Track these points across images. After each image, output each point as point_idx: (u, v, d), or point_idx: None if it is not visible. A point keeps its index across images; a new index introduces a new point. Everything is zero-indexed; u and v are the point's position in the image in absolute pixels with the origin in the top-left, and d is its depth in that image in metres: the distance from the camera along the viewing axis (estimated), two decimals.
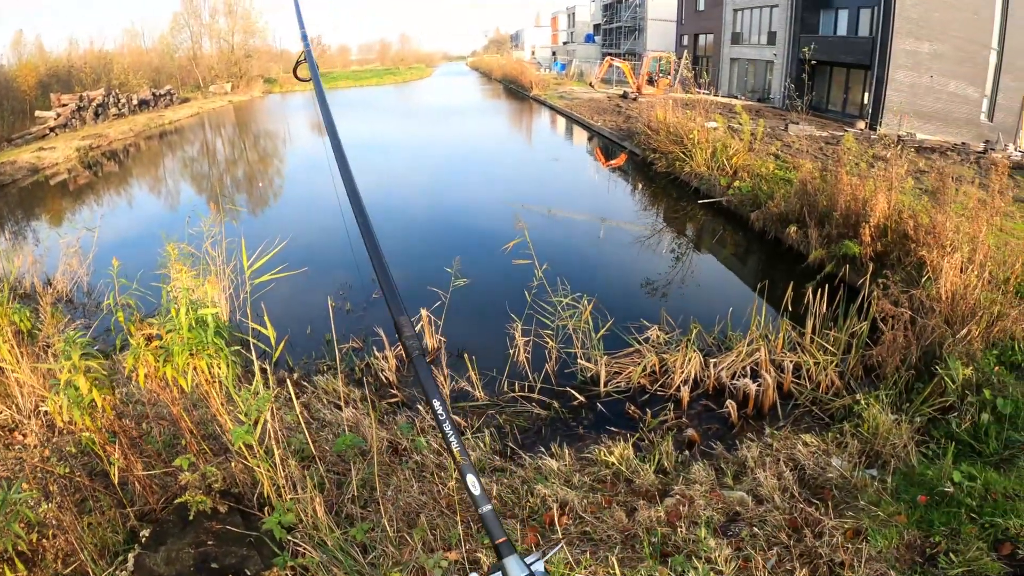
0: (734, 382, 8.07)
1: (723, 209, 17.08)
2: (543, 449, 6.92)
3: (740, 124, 19.30)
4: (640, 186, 22.14)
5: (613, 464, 6.28)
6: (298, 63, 3.22)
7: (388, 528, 4.99)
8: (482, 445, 7.18)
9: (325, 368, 9.37)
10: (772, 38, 36.91)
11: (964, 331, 8.01)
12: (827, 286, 9.23)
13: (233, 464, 5.32)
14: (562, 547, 4.64)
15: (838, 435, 6.72)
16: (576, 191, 21.59)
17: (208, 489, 5.24)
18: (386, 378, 9.07)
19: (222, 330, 5.00)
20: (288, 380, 9.07)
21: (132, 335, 5.09)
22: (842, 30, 30.90)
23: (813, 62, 27.42)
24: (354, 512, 5.43)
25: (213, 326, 4.84)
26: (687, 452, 6.83)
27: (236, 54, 69.99)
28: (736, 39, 41.96)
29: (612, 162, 26.04)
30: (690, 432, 7.27)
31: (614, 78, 50.78)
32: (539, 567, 2.01)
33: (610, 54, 56.64)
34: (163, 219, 18.22)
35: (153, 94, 49.58)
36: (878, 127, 26.25)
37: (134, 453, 5.44)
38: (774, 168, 17.22)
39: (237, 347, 5.35)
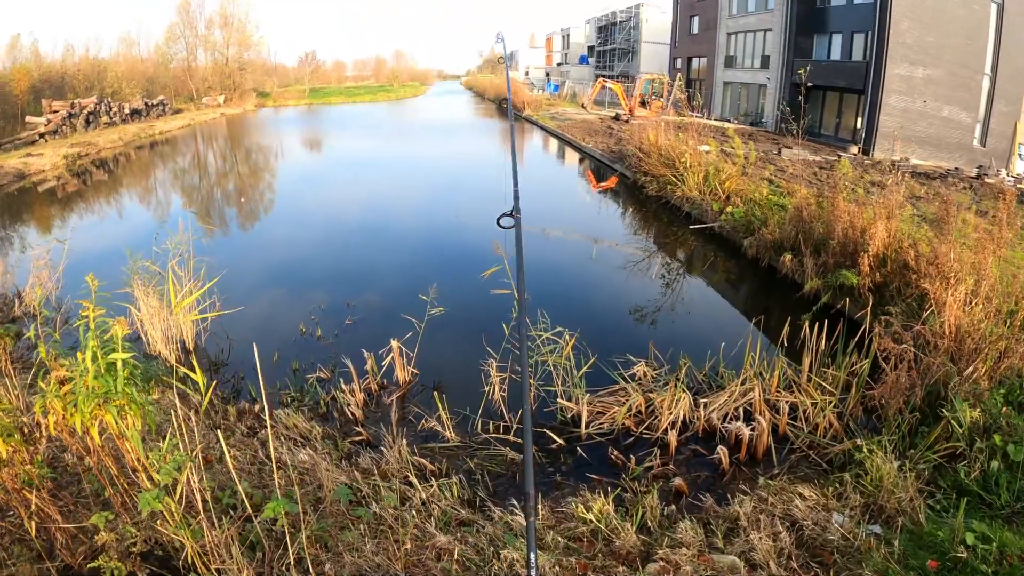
0: (726, 425, 7.48)
1: (715, 235, 16.60)
2: (514, 501, 6.30)
3: (733, 148, 18.90)
4: (630, 210, 21.68)
5: (591, 521, 5.67)
6: None
7: None
8: (448, 495, 6.54)
9: (289, 400, 8.82)
10: (766, 62, 36.79)
11: (970, 369, 7.50)
12: (825, 319, 8.71)
13: (158, 523, 4.70)
14: None
15: (838, 486, 6.16)
16: (563, 214, 21.00)
17: (127, 552, 4.68)
18: (352, 414, 8.46)
19: (135, 376, 4.43)
20: (267, 414, 8.48)
21: (48, 375, 4.52)
22: (836, 55, 30.76)
23: (808, 84, 27.14)
24: None
25: (124, 373, 4.28)
26: (673, 506, 6.21)
27: (230, 67, 69.76)
28: (729, 63, 41.87)
29: (603, 184, 25.59)
30: (677, 482, 6.66)
31: (607, 100, 50.64)
32: None
33: (603, 75, 56.60)
34: (141, 232, 17.59)
35: (146, 104, 49.15)
36: (871, 152, 25.96)
37: (51, 502, 4.83)
38: (768, 193, 16.79)
39: (153, 392, 4.82)
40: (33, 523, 4.60)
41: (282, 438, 7.69)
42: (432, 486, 6.60)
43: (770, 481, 6.36)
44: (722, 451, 6.92)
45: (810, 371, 8.09)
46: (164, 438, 5.02)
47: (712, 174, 18.08)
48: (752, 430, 7.14)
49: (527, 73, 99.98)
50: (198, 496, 4.41)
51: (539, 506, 6.13)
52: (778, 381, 8.11)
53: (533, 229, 18.32)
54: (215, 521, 4.58)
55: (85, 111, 38.88)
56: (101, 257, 15.03)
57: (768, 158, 23.27)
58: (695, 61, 48.32)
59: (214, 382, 9.04)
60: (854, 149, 26.83)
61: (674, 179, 19.23)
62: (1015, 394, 7.46)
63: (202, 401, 5.16)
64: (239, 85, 69.90)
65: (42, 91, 42.58)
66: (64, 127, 36.52)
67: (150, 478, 4.64)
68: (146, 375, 5.08)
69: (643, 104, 39.94)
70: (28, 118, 36.58)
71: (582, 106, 49.46)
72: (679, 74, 46.69)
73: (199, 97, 64.21)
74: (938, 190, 14.82)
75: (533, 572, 2.10)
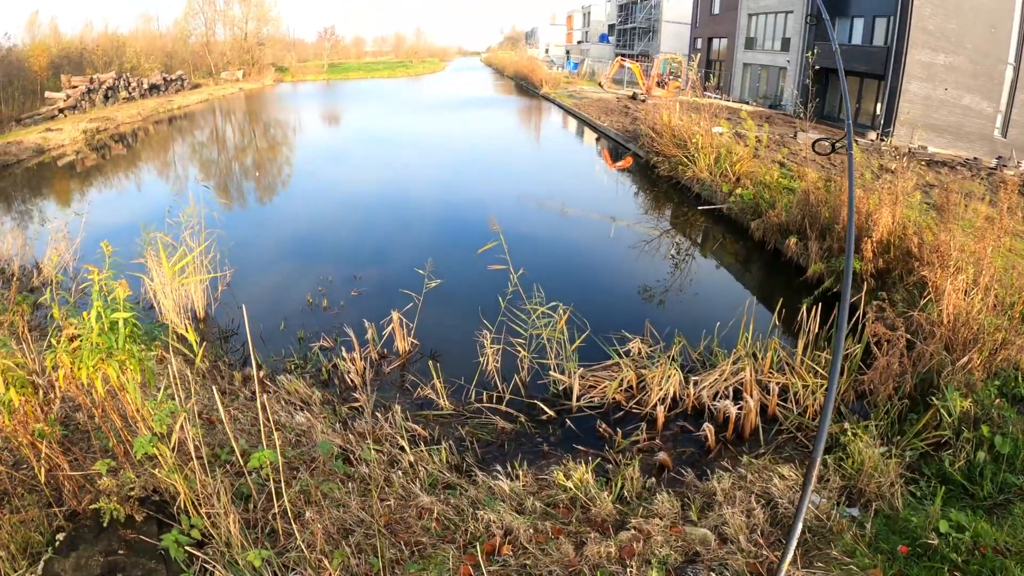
0: (715, 403, 7.54)
1: (723, 217, 16.53)
2: (499, 468, 6.43)
3: (746, 130, 18.74)
4: (641, 189, 21.59)
5: (570, 489, 5.77)
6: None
7: (305, 550, 4.51)
8: (436, 460, 6.68)
9: (293, 367, 9.01)
10: (786, 44, 36.26)
11: (965, 359, 7.48)
12: (824, 303, 8.70)
13: (155, 470, 4.93)
14: None
15: (820, 467, 6.21)
16: (573, 193, 20.93)
17: (126, 496, 4.92)
18: (352, 381, 8.63)
19: (137, 335, 4.66)
20: (255, 378, 8.70)
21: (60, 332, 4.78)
22: (857, 39, 30.23)
23: (816, 67, 26.73)
24: (282, 528, 4.95)
25: (125, 331, 4.51)
26: (654, 479, 6.29)
27: (249, 42, 69.60)
28: (750, 44, 41.29)
29: (618, 164, 25.45)
30: (661, 456, 6.74)
31: (625, 79, 50.17)
32: None
33: (623, 55, 56.01)
34: (157, 205, 17.75)
35: (164, 79, 49.23)
36: (889, 138, 25.62)
37: (60, 452, 5.05)
38: (778, 176, 16.66)
39: (155, 349, 4.98)
40: (43, 471, 4.86)
41: (282, 402, 7.88)
42: (422, 451, 6.75)
43: (753, 460, 6.42)
44: (708, 428, 6.99)
45: (804, 354, 8.12)
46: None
47: (724, 155, 17.95)
48: (740, 409, 7.19)
49: (547, 51, 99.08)
50: (191, 445, 4.61)
51: (524, 470, 6.25)
52: (771, 362, 8.14)
53: (543, 205, 18.36)
54: (206, 469, 4.80)
55: (104, 86, 39.02)
56: (118, 230, 15.17)
57: (783, 141, 23.04)
58: (715, 42, 47.68)
59: (203, 343, 9.24)
60: (872, 135, 26.46)
61: (685, 160, 19.12)
62: (1010, 386, 7.44)
63: (199, 359, 5.29)
64: (258, 60, 69.79)
65: (61, 67, 42.46)
66: (83, 102, 36.68)
67: (149, 428, 4.84)
68: (151, 334, 5.29)
69: (660, 84, 39.53)
70: (48, 93, 36.73)
71: (599, 85, 49.02)
72: (699, 55, 46.11)
73: (218, 72, 64.19)
74: (944, 178, 14.59)
75: None
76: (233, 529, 4.54)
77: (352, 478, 6.12)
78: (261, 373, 8.70)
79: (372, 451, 6.67)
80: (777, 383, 7.82)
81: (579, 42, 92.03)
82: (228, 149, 30.95)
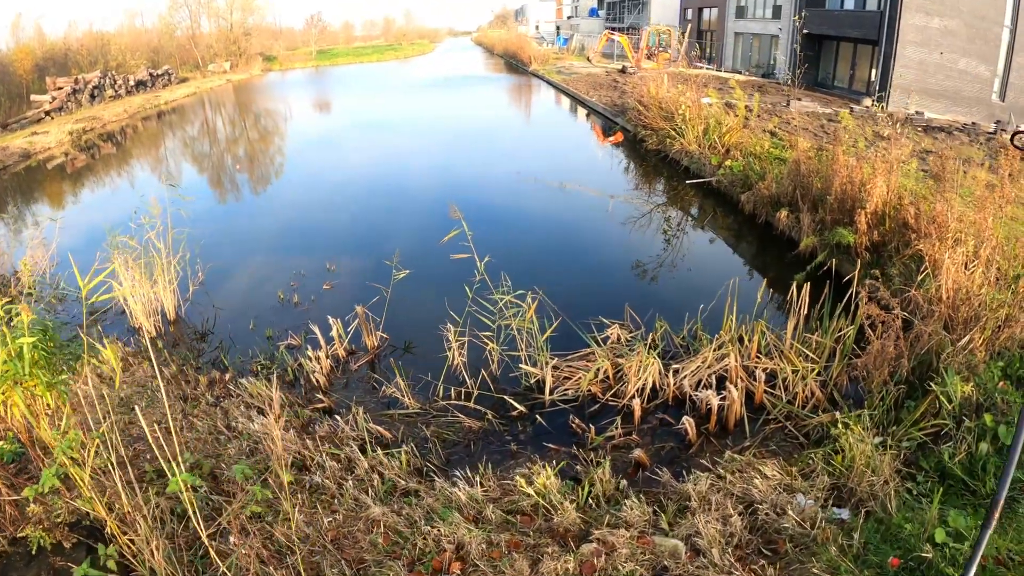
0: (697, 393, 6.98)
1: (713, 190, 15.90)
2: (459, 473, 5.92)
3: (735, 99, 18.04)
4: (628, 164, 20.92)
5: (533, 496, 5.23)
6: None
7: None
8: (396, 464, 6.15)
9: (259, 368, 8.62)
10: (777, 12, 35.30)
11: (966, 339, 6.92)
12: (817, 280, 8.15)
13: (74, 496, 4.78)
14: None
15: (810, 462, 5.68)
16: (559, 172, 20.01)
17: (55, 523, 4.75)
18: (316, 381, 8.19)
19: (51, 359, 4.73)
20: (218, 381, 8.29)
21: None
22: (849, 4, 29.33)
23: (805, 32, 25.90)
24: (216, 551, 4.50)
25: (29, 357, 4.48)
26: (625, 481, 5.74)
27: (235, 32, 68.30)
28: (740, 13, 40.30)
29: (609, 140, 24.70)
30: (637, 453, 6.20)
31: (615, 53, 49.17)
32: None
33: (612, 28, 54.94)
34: (139, 203, 17.38)
35: (150, 74, 48.17)
36: (885, 104, 24.88)
37: None
38: (769, 146, 16.00)
39: (81, 369, 4.68)
40: None
41: (242, 407, 7.50)
42: (377, 456, 6.25)
43: (736, 455, 5.89)
44: (688, 422, 6.43)
45: (793, 336, 7.55)
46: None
47: (712, 127, 17.27)
48: (723, 399, 6.64)
49: (537, 27, 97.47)
50: (114, 469, 4.43)
51: (488, 474, 5.76)
52: (757, 346, 7.58)
53: (526, 183, 17.75)
54: (134, 490, 4.57)
55: (90, 86, 38.17)
56: (100, 231, 14.79)
57: (775, 110, 22.32)
58: (706, 12, 46.62)
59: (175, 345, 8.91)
60: (868, 101, 25.70)
61: (673, 132, 18.43)
62: (1015, 367, 6.90)
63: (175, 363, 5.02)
64: (245, 51, 68.49)
65: (46, 69, 41.68)
66: (69, 103, 35.91)
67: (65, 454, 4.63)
68: (74, 354, 5.23)
69: (650, 56, 38.63)
70: (33, 97, 36.00)
71: (587, 59, 48.08)
72: (689, 25, 45.11)
73: (205, 65, 62.93)
74: (941, 144, 13.88)
75: None
76: (157, 556, 4.32)
77: (306, 489, 5.75)
78: (227, 376, 8.37)
79: (327, 457, 6.23)
80: (765, 369, 7.27)
81: (569, 17, 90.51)
82: (214, 142, 30.22)
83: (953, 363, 6.63)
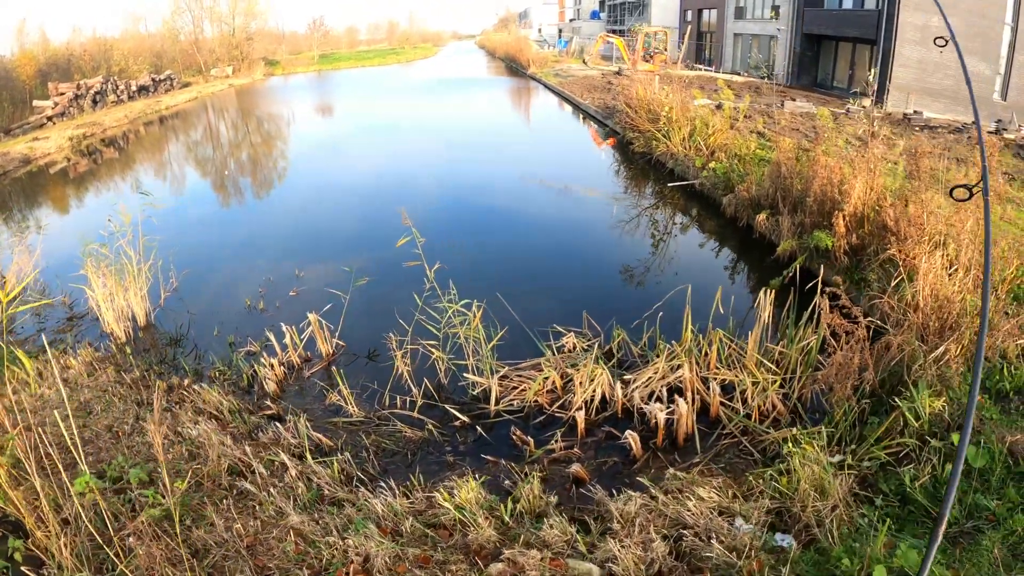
0: (646, 405, 6.51)
1: (696, 193, 15.42)
2: (383, 484, 5.59)
3: (723, 100, 17.57)
4: (615, 168, 20.44)
5: (453, 511, 4.82)
6: None
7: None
8: (327, 473, 5.78)
9: (216, 374, 8.54)
10: (776, 12, 34.82)
11: (941, 349, 6.45)
12: (794, 285, 7.69)
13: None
14: None
15: (760, 482, 5.20)
16: (547, 176, 19.60)
17: None
18: (268, 388, 7.99)
19: None
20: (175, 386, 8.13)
21: None
22: (848, 3, 28.83)
23: (804, 32, 25.38)
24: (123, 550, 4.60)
25: None
26: (556, 497, 5.31)
27: (237, 37, 68.29)
28: (740, 14, 39.83)
29: (603, 143, 24.21)
30: (575, 468, 5.75)
31: (614, 55, 48.76)
32: None
33: (612, 30, 54.59)
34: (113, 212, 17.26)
35: (153, 79, 48.01)
36: (884, 104, 24.34)
37: None
38: (756, 148, 15.51)
39: None
40: None
41: (190, 412, 7.33)
42: (309, 463, 5.90)
43: (679, 473, 5.43)
44: (631, 436, 5.97)
45: (757, 347, 7.07)
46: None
47: (699, 128, 16.79)
48: (671, 413, 6.17)
49: (540, 30, 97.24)
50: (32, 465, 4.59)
51: (405, 490, 5.37)
52: (716, 356, 7.11)
53: (507, 188, 17.34)
54: (52, 490, 4.77)
55: (91, 91, 38.04)
56: (86, 236, 14.66)
57: (767, 111, 21.83)
58: (706, 13, 46.19)
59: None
60: (866, 101, 25.17)
61: (659, 135, 17.95)
62: (994, 379, 6.43)
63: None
64: (247, 55, 68.43)
65: (49, 75, 41.67)
66: (71, 108, 35.81)
67: None
68: None
69: (648, 58, 38.16)
70: (35, 102, 35.97)
71: (583, 61, 47.72)
72: (689, 27, 44.67)
73: (207, 69, 62.91)
74: (935, 143, 13.30)
75: None
76: (66, 553, 4.47)
77: (242, 494, 5.62)
78: (186, 381, 8.26)
79: (259, 464, 6.02)
80: (721, 381, 6.80)
81: (571, 20, 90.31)
82: (216, 147, 29.91)
83: (925, 376, 6.16)
